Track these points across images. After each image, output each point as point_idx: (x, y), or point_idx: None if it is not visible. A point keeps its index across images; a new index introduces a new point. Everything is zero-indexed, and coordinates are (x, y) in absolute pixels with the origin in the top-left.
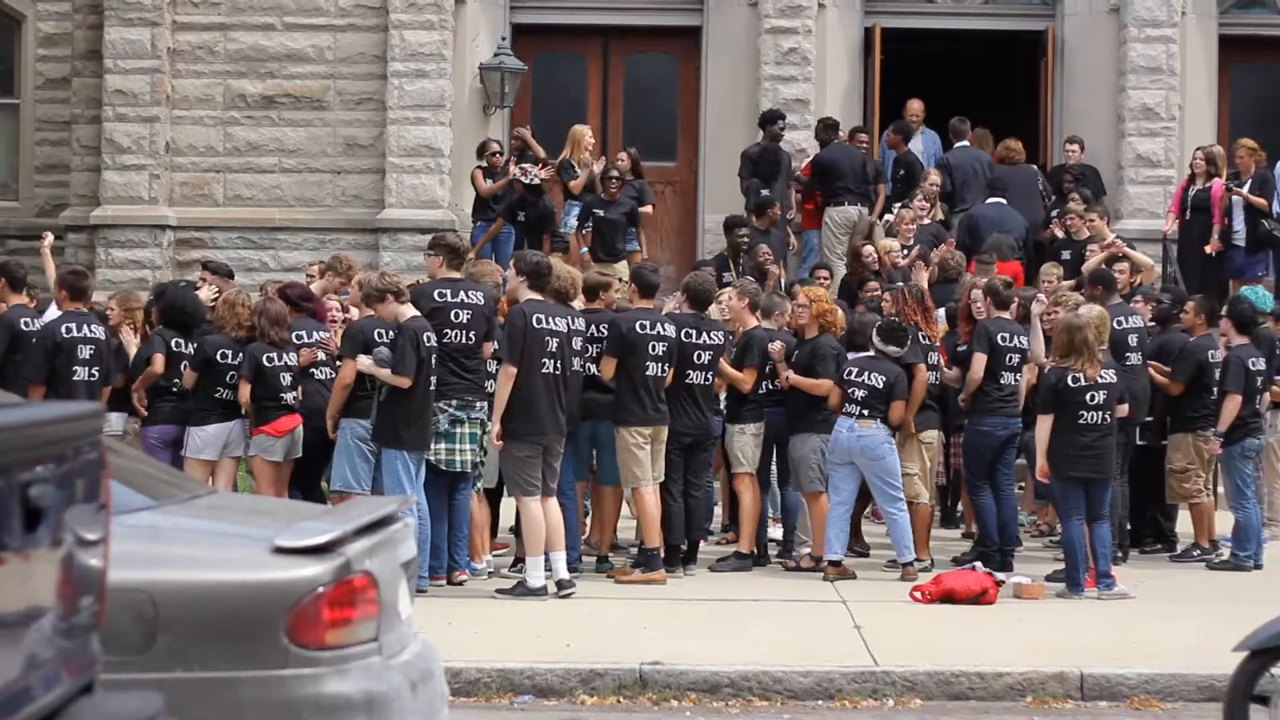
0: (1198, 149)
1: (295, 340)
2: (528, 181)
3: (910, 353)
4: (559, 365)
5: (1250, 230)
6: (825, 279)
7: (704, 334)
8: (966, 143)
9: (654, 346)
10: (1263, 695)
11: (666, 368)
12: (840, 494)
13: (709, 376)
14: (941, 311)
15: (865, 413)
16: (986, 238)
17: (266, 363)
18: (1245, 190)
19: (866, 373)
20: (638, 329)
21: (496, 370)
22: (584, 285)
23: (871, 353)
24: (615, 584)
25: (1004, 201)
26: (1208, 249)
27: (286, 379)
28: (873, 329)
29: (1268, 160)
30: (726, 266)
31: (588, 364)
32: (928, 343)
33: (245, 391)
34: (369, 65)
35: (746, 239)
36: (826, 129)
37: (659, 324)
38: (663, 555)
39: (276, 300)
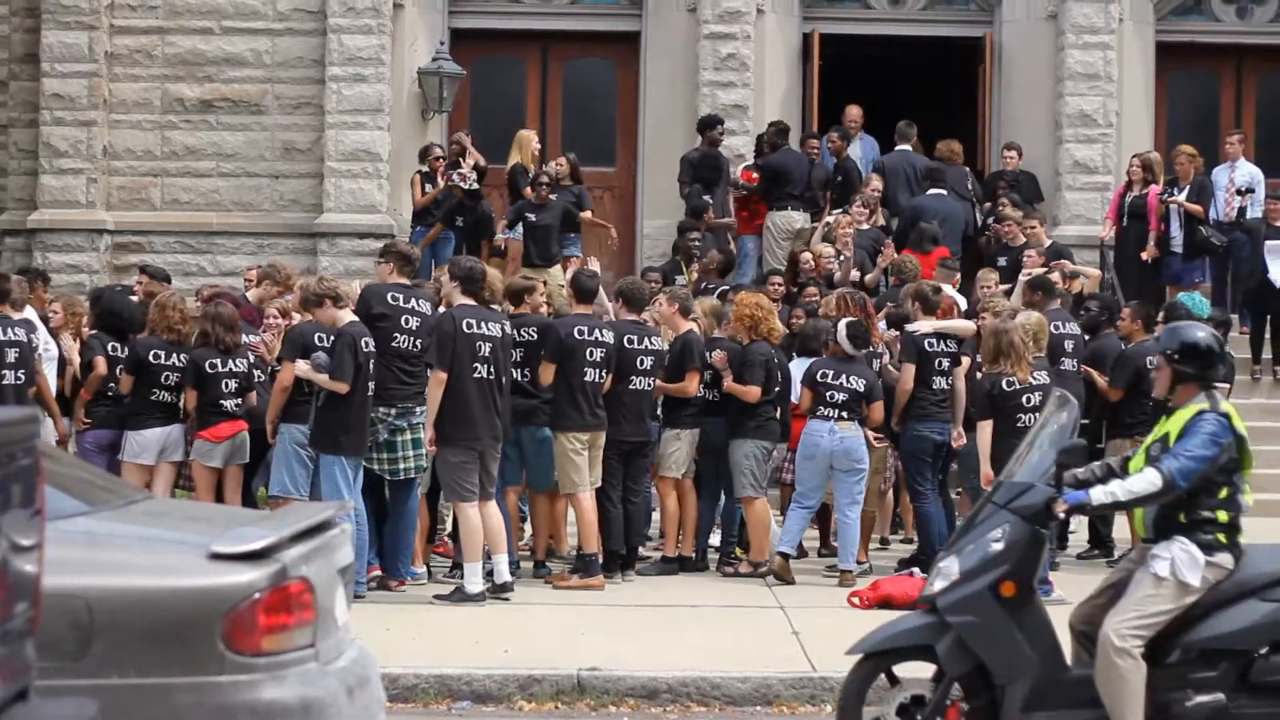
0: (1134, 156)
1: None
2: (466, 187)
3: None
4: (492, 370)
5: (1187, 237)
6: (778, 284)
7: (645, 340)
8: (908, 147)
9: (591, 352)
10: (894, 678)
11: (605, 374)
12: (808, 497)
13: (650, 383)
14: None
15: (845, 415)
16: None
17: (209, 369)
18: (1183, 197)
19: (844, 375)
20: (576, 334)
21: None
22: (508, 290)
23: (839, 356)
24: (553, 589)
25: (944, 192)
26: (1144, 255)
27: (231, 385)
28: (836, 333)
29: (1206, 167)
30: (680, 270)
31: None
32: (870, 349)
33: (191, 398)
34: (307, 69)
35: (698, 243)
36: (779, 133)
37: (597, 330)
38: (601, 560)
39: (226, 304)
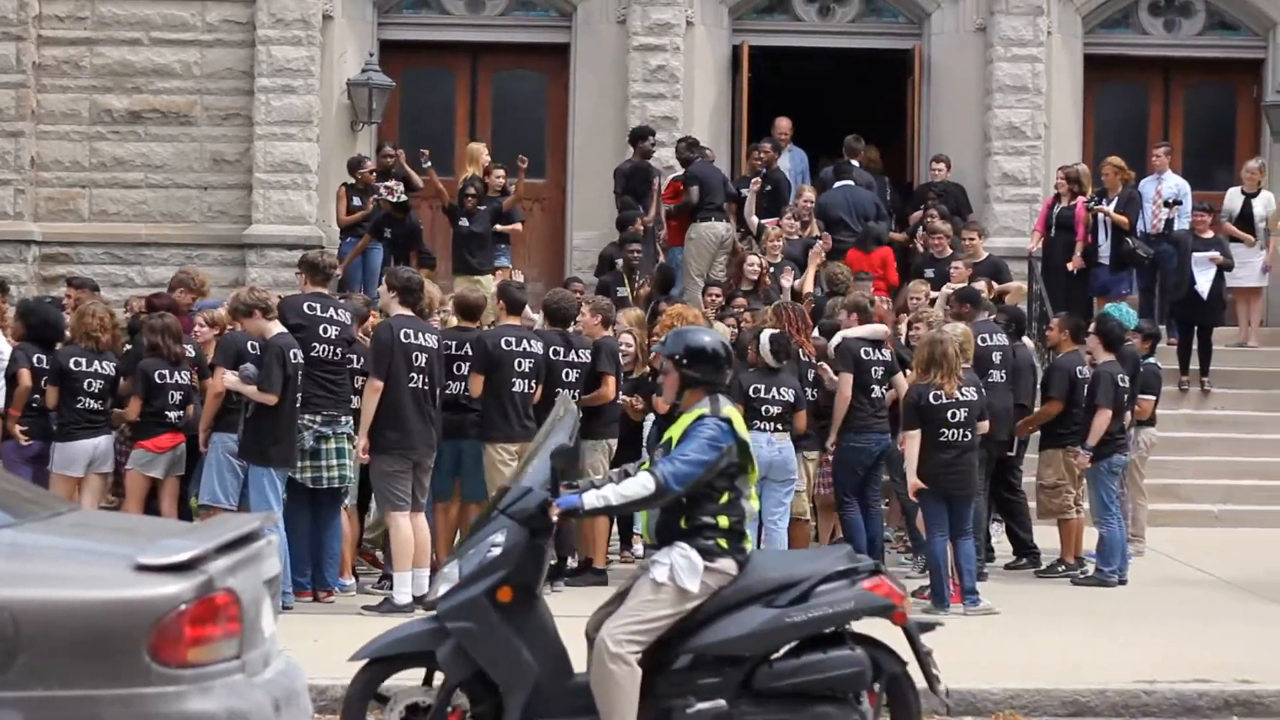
0: (1060, 168)
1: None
2: (393, 200)
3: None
4: (426, 380)
5: (1114, 248)
6: (716, 295)
7: (571, 351)
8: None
9: (520, 363)
10: (383, 695)
11: (534, 384)
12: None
13: (577, 394)
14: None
15: (779, 426)
16: (837, 219)
17: (158, 380)
18: (1110, 208)
19: (775, 388)
20: (503, 345)
21: (362, 385)
22: (461, 305)
23: (763, 368)
24: None
25: (850, 183)
26: (1070, 266)
27: (176, 397)
28: (758, 344)
29: (1134, 178)
30: (621, 282)
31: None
32: (807, 359)
33: (135, 408)
34: (236, 81)
35: (638, 254)
36: (690, 147)
37: (525, 340)
38: None
39: (168, 314)
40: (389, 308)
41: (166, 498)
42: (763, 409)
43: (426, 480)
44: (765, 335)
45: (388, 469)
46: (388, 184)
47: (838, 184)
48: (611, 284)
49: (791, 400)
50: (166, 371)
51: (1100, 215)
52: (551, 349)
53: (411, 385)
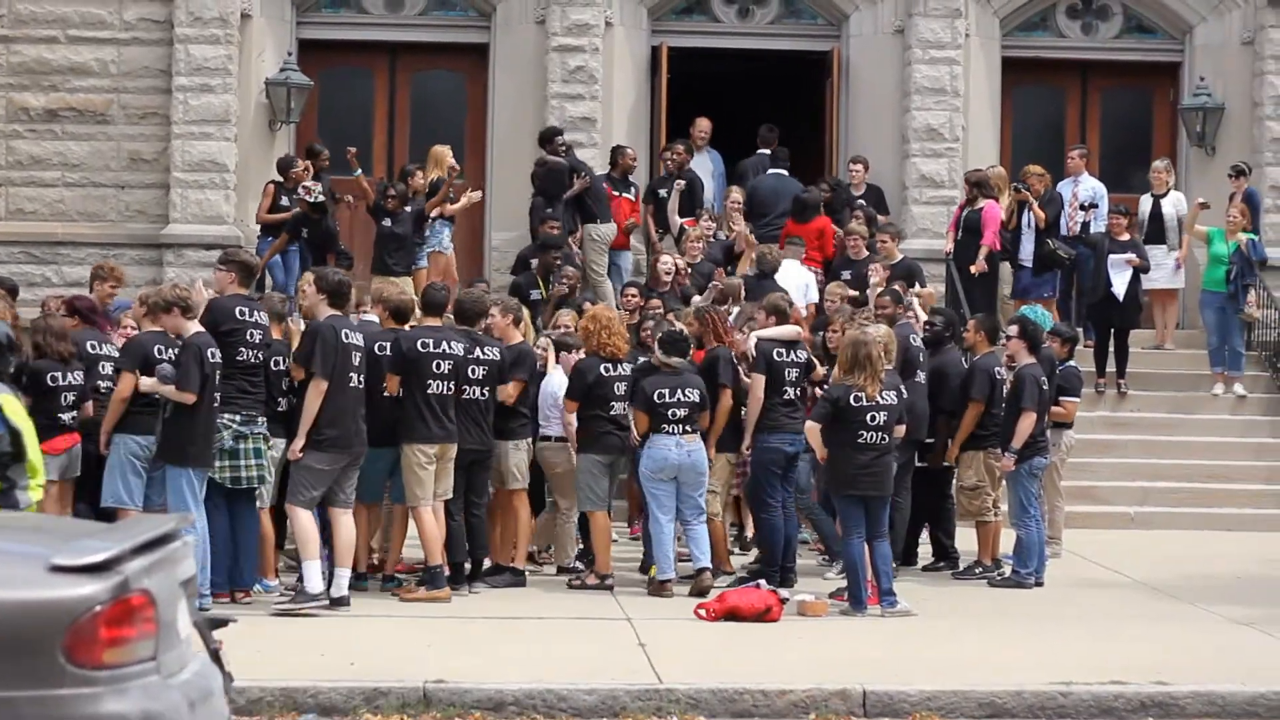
0: (967, 173)
1: (89, 351)
2: (311, 200)
3: (723, 374)
4: (361, 380)
5: (1037, 250)
6: (633, 295)
7: (478, 349)
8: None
9: (438, 364)
10: None
11: (451, 386)
12: (668, 513)
13: (486, 392)
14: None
15: (688, 428)
16: (768, 203)
17: (50, 382)
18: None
19: (680, 390)
20: (419, 347)
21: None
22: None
23: (665, 370)
24: (401, 602)
25: (784, 172)
26: (972, 269)
27: (69, 398)
28: (657, 342)
29: (1051, 182)
30: (535, 284)
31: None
32: (735, 360)
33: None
34: (154, 79)
35: (560, 259)
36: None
37: (444, 342)
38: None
39: (57, 315)
40: (318, 309)
41: (54, 502)
42: (669, 412)
43: (354, 478)
44: (659, 335)
45: (316, 466)
46: (306, 184)
47: (771, 170)
48: (525, 285)
49: (697, 400)
50: (59, 373)
51: (1024, 218)
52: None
53: (351, 385)
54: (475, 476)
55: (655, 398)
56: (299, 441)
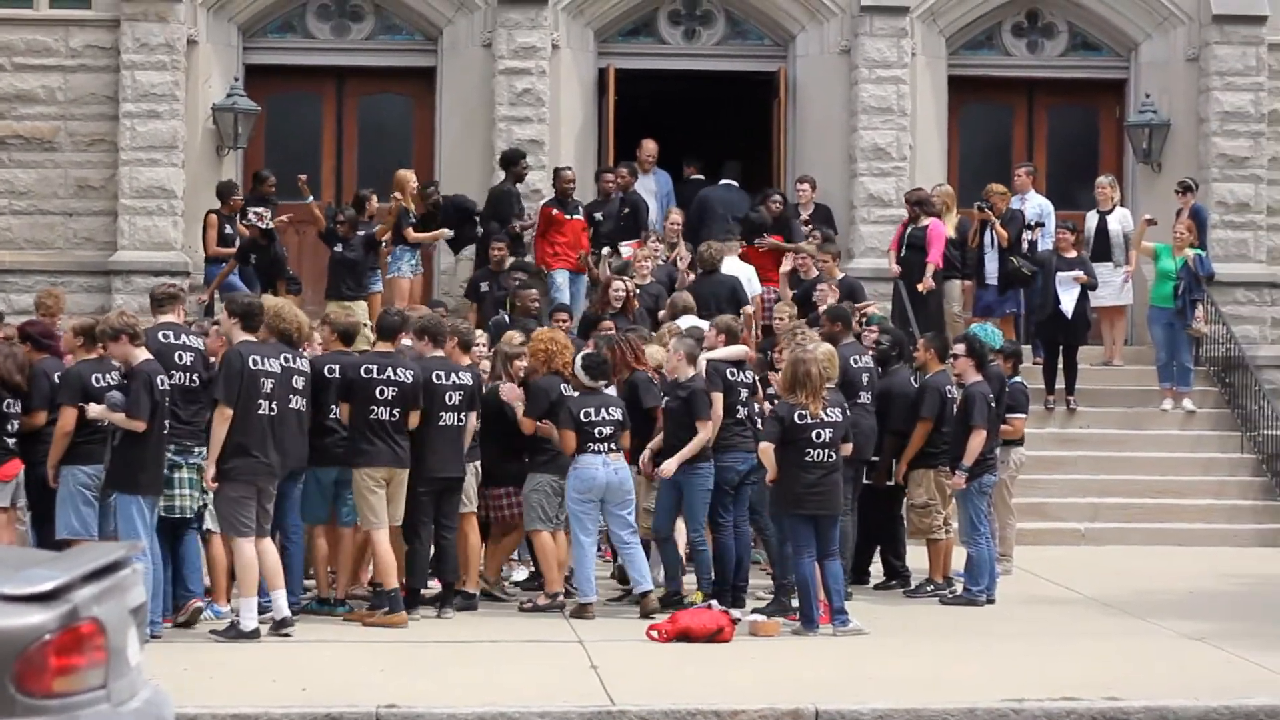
0: (907, 193)
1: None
2: (263, 226)
3: (649, 396)
4: (274, 406)
5: (1000, 268)
6: (564, 320)
7: (452, 375)
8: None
9: (383, 390)
10: None
11: (397, 411)
12: (590, 534)
13: (461, 418)
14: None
15: (613, 447)
16: (716, 214)
17: (6, 409)
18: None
19: (604, 409)
20: (363, 373)
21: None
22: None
23: (587, 390)
24: (361, 627)
25: (734, 183)
26: (919, 287)
27: (14, 425)
28: (577, 363)
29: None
30: (502, 304)
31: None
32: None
33: None
34: (100, 106)
35: (520, 280)
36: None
37: (389, 368)
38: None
39: (18, 345)
40: (231, 334)
41: (2, 528)
42: (594, 430)
43: (270, 506)
44: (580, 355)
45: (232, 495)
46: (257, 210)
47: (722, 182)
48: (490, 309)
49: (620, 419)
50: (11, 400)
51: (987, 237)
52: (433, 374)
53: (259, 412)
54: (446, 501)
55: (582, 416)
56: (209, 470)
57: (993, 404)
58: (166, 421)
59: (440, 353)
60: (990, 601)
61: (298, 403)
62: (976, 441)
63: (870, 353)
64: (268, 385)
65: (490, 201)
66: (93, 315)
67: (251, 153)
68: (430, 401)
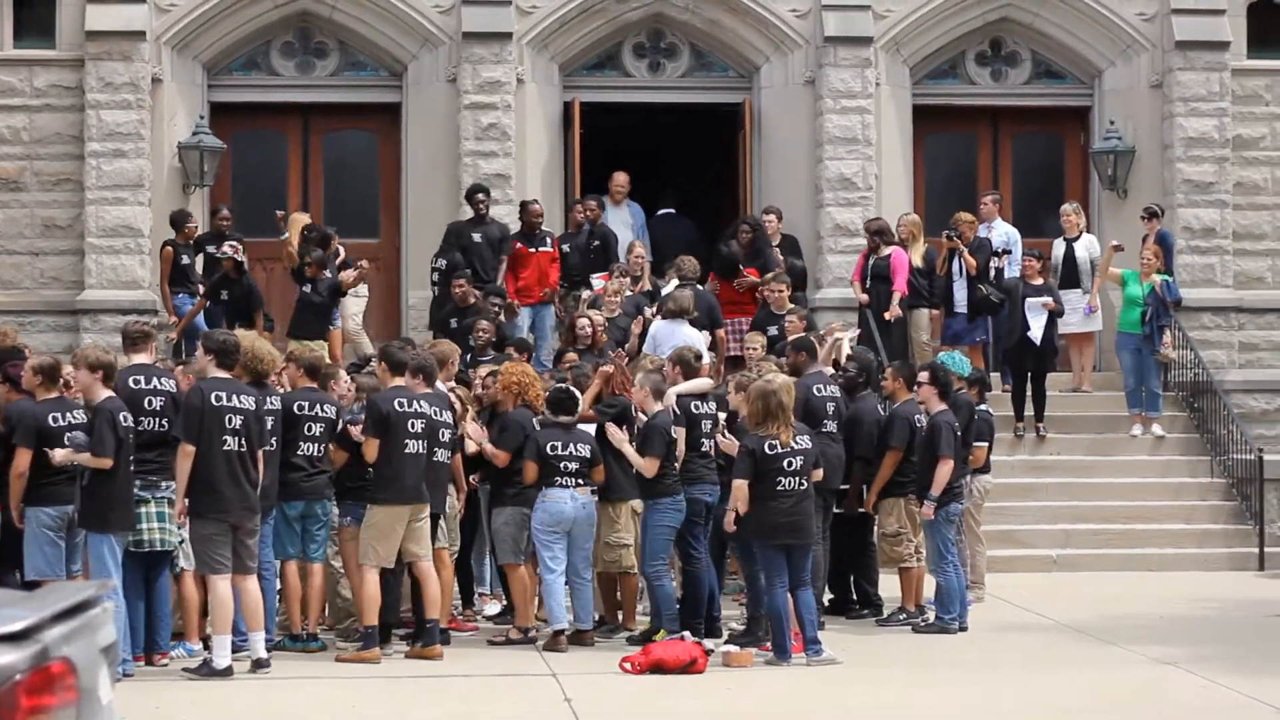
0: (867, 222)
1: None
2: (239, 259)
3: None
4: (243, 443)
5: (970, 295)
6: (521, 358)
7: (442, 413)
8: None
9: (413, 424)
10: None
11: (425, 445)
12: (560, 564)
13: (448, 455)
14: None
15: (581, 481)
16: (664, 245)
17: None
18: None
19: (572, 444)
20: (396, 407)
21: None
22: (306, 365)
23: (558, 424)
24: (333, 663)
25: (671, 210)
26: (887, 316)
27: None
28: (545, 402)
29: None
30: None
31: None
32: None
33: None
34: (66, 145)
35: (498, 307)
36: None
37: (415, 401)
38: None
39: None
40: (205, 371)
41: None
42: (560, 465)
43: (252, 542)
44: (550, 391)
45: (204, 532)
46: (232, 243)
47: (660, 212)
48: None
49: (588, 455)
50: None
51: (954, 265)
52: (433, 409)
53: (225, 449)
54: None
55: (549, 449)
56: (178, 506)
57: (959, 433)
58: (132, 459)
59: (428, 389)
60: (963, 629)
61: (267, 440)
62: (944, 471)
63: (838, 382)
64: (235, 421)
65: (455, 234)
66: (51, 354)
67: (218, 190)
68: (430, 438)
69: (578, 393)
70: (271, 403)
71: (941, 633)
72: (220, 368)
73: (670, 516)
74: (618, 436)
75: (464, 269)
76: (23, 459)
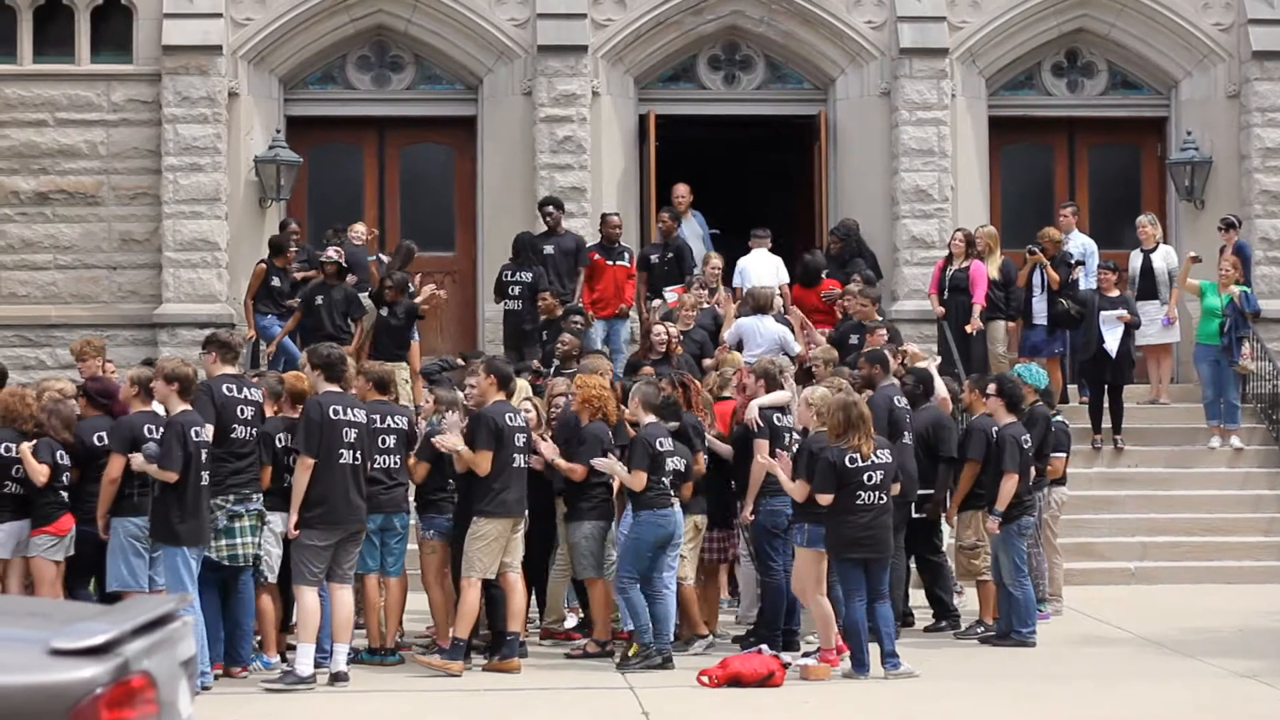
0: (957, 230)
1: (96, 442)
2: (341, 263)
3: (695, 441)
4: (357, 455)
5: (1050, 309)
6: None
7: (518, 419)
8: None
9: (517, 438)
10: None
11: (525, 459)
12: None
13: (526, 460)
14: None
15: (674, 494)
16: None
17: (59, 459)
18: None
19: (671, 458)
20: (507, 421)
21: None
22: (375, 379)
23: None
24: (413, 677)
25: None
26: (967, 329)
27: (67, 478)
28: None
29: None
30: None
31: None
32: (707, 429)
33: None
34: (143, 160)
35: (580, 324)
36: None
37: (516, 415)
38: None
39: (66, 401)
40: (316, 385)
41: (49, 584)
42: (663, 477)
43: (355, 553)
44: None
45: (311, 543)
46: (336, 247)
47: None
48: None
49: (682, 469)
50: (62, 451)
51: (1035, 277)
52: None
53: (342, 461)
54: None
55: (657, 445)
56: (291, 519)
57: (1026, 445)
58: (204, 474)
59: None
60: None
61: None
62: (1009, 486)
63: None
64: (350, 435)
65: (521, 248)
66: (150, 368)
67: (294, 204)
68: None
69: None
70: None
71: (1020, 646)
72: (329, 381)
73: (648, 530)
74: (604, 465)
75: (548, 281)
76: (115, 465)
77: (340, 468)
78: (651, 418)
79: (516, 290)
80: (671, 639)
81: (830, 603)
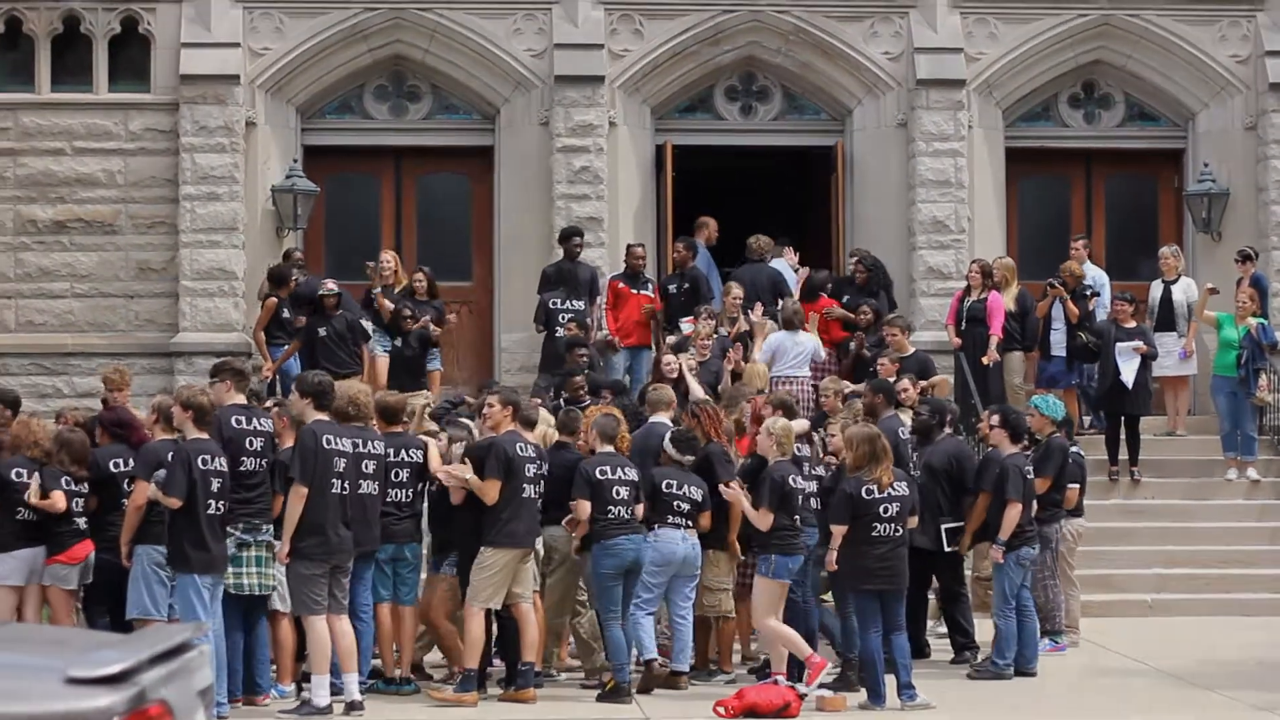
0: (973, 261)
1: (112, 469)
2: (339, 292)
3: (723, 470)
4: (346, 485)
5: (1069, 341)
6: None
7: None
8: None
9: (528, 468)
10: None
11: (536, 489)
12: (655, 605)
13: (537, 491)
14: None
15: (690, 524)
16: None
17: (68, 487)
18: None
19: (686, 485)
20: (518, 451)
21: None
22: (382, 408)
23: (675, 465)
24: (429, 706)
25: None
26: (984, 360)
27: (80, 504)
28: (663, 442)
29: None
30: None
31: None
32: (728, 457)
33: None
34: (160, 189)
35: (587, 358)
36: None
37: (528, 446)
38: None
39: (78, 431)
40: (304, 414)
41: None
42: (674, 504)
43: (346, 582)
44: (670, 432)
45: (305, 573)
46: (327, 286)
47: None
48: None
49: (699, 500)
50: (70, 480)
51: (1053, 308)
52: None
53: (333, 491)
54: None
55: (664, 488)
56: (283, 548)
57: (1029, 476)
58: (212, 501)
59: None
60: (1026, 673)
61: (368, 485)
62: (1012, 515)
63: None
64: (340, 464)
65: (548, 279)
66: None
67: (311, 233)
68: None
69: (699, 435)
70: (370, 447)
71: (995, 678)
72: (318, 410)
73: (599, 562)
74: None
75: (581, 312)
76: (140, 492)
77: (332, 497)
78: (609, 448)
79: (567, 318)
80: (688, 667)
81: (845, 634)
